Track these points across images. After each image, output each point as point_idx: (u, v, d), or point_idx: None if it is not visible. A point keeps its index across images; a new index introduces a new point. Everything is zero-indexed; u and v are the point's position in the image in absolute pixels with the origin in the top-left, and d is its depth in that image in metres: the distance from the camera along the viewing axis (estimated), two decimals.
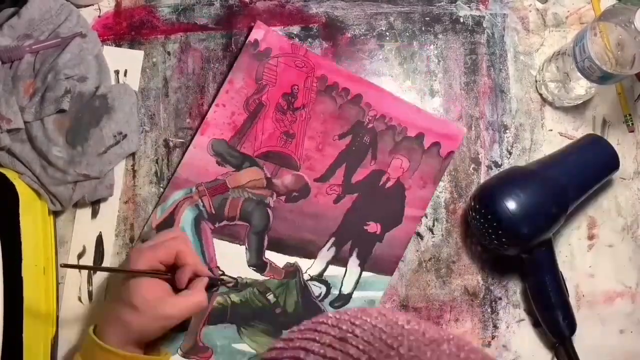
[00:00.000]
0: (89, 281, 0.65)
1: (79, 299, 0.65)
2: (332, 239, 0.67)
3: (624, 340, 0.68)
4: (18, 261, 0.58)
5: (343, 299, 0.66)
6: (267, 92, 0.67)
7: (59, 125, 0.63)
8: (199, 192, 0.66)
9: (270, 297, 0.65)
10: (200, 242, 0.66)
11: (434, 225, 0.69)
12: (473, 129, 0.70)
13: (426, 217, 0.69)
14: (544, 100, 0.71)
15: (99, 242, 0.66)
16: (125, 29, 0.69)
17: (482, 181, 0.69)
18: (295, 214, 0.67)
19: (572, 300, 0.66)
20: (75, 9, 0.67)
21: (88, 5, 0.69)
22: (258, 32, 0.68)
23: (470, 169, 0.70)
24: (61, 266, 0.62)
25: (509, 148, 0.70)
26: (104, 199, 0.66)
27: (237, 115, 0.67)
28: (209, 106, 0.67)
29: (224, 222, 0.66)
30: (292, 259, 0.66)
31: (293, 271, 0.66)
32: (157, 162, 0.67)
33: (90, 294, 0.65)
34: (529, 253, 0.64)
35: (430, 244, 0.69)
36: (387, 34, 0.71)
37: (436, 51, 0.71)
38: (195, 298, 0.57)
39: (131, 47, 0.69)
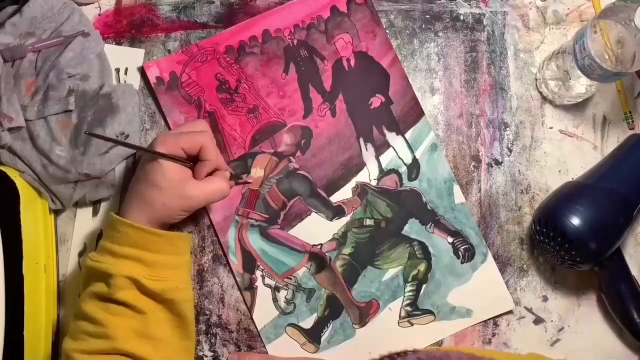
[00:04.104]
0: None
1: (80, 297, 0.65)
2: (361, 140, 0.68)
3: (624, 340, 0.68)
4: (19, 259, 0.58)
5: (414, 168, 0.68)
6: (204, 101, 0.68)
7: (63, 124, 0.63)
8: (242, 215, 0.67)
9: (368, 222, 0.67)
10: (284, 245, 0.67)
11: None
12: (473, 126, 0.70)
13: None
14: (544, 98, 0.71)
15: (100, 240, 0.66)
16: (125, 27, 0.69)
17: (482, 178, 0.69)
18: (318, 154, 0.68)
19: (572, 300, 0.66)
20: (77, 7, 0.67)
21: (89, 3, 0.69)
22: (152, 70, 0.68)
23: (471, 166, 0.70)
24: (86, 134, 0.62)
25: (510, 145, 0.70)
26: (105, 198, 0.66)
27: None
28: None
29: (282, 215, 0.67)
30: (352, 183, 0.68)
31: (362, 190, 0.68)
32: None
33: None
34: (601, 266, 0.63)
35: None
36: (388, 31, 0.71)
37: (436, 49, 0.71)
38: (217, 184, 0.60)
39: (132, 45, 0.69)
